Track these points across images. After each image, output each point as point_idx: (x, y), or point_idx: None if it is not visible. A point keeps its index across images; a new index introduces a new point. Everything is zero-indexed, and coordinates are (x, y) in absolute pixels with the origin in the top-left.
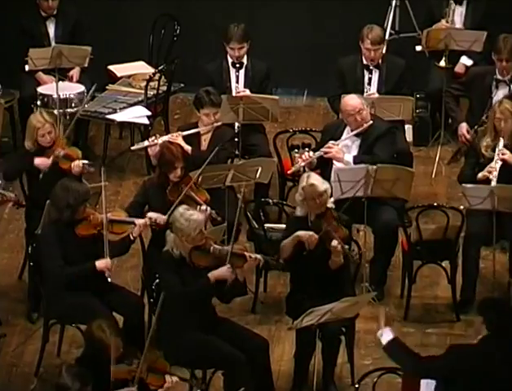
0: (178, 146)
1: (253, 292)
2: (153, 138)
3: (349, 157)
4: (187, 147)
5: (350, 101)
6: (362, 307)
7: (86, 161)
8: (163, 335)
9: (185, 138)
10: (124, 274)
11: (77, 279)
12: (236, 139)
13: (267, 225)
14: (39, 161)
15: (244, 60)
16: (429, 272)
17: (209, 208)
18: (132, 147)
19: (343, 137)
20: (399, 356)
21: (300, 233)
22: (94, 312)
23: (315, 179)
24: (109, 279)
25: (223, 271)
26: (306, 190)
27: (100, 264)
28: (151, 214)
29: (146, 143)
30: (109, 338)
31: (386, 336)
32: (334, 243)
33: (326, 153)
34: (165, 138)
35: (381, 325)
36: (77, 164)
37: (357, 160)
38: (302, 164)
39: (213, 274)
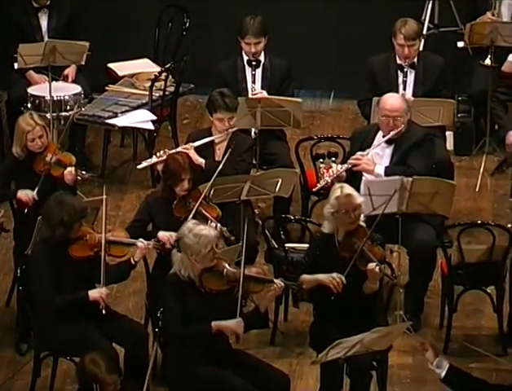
0: (184, 155)
1: (272, 321)
2: (162, 152)
3: (380, 169)
4: (201, 160)
5: (391, 100)
6: (396, 338)
7: (84, 173)
8: (169, 368)
9: (197, 148)
10: (126, 301)
11: (68, 310)
12: (254, 147)
13: (287, 244)
14: (22, 195)
15: (262, 57)
16: (472, 299)
17: (219, 226)
18: (138, 166)
19: (374, 144)
20: (464, 383)
21: (320, 277)
22: (92, 343)
23: (351, 190)
24: (104, 311)
25: (231, 326)
26: (340, 201)
27: (94, 294)
28: (162, 234)
29: (154, 159)
30: (105, 374)
31: (443, 365)
32: (371, 264)
33: (355, 166)
34: (175, 151)
35: (430, 357)
36: (70, 172)
37: (389, 171)
38: (329, 179)
39: (217, 325)
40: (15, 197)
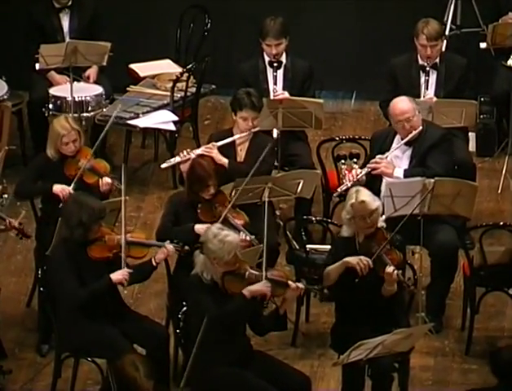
0: (210, 160)
1: (293, 323)
2: (185, 152)
3: (399, 172)
4: (224, 160)
5: (399, 104)
6: (417, 340)
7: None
8: (191, 369)
9: (220, 148)
10: (147, 302)
11: (93, 299)
12: (275, 148)
13: (309, 246)
14: (58, 189)
15: (283, 59)
16: (494, 301)
17: (249, 235)
18: (162, 165)
19: (393, 146)
20: None
21: (349, 259)
22: (113, 344)
23: (366, 195)
24: (125, 291)
25: (261, 286)
26: (355, 207)
27: (116, 276)
28: (198, 227)
29: (178, 159)
30: (143, 379)
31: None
32: (388, 269)
33: (374, 169)
34: (199, 151)
35: None
36: (107, 182)
37: (408, 174)
38: (349, 184)
39: (249, 290)
40: (51, 191)
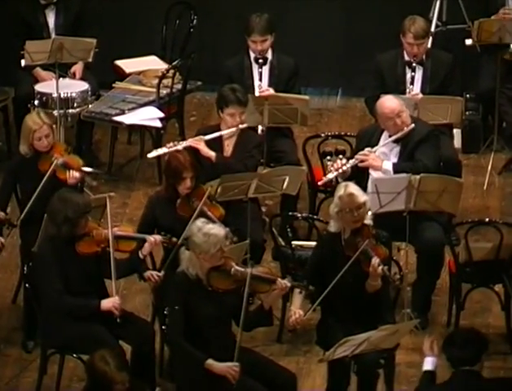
0: (186, 153)
1: (278, 319)
2: (172, 143)
3: (388, 165)
4: (212, 153)
5: (388, 103)
6: (403, 336)
7: (89, 169)
8: (176, 365)
9: (207, 143)
10: (132, 298)
11: (77, 313)
12: (262, 144)
13: (294, 242)
14: (109, 305)
15: (269, 55)
16: (480, 297)
17: (223, 227)
18: (149, 155)
19: (380, 143)
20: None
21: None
22: (99, 341)
23: (355, 189)
24: (118, 320)
25: (226, 370)
26: (343, 200)
27: (106, 304)
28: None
29: (165, 150)
30: (114, 371)
31: (427, 365)
32: (373, 261)
33: (362, 161)
34: (186, 143)
35: (428, 352)
36: (73, 175)
37: (397, 167)
38: (335, 173)
39: (211, 365)
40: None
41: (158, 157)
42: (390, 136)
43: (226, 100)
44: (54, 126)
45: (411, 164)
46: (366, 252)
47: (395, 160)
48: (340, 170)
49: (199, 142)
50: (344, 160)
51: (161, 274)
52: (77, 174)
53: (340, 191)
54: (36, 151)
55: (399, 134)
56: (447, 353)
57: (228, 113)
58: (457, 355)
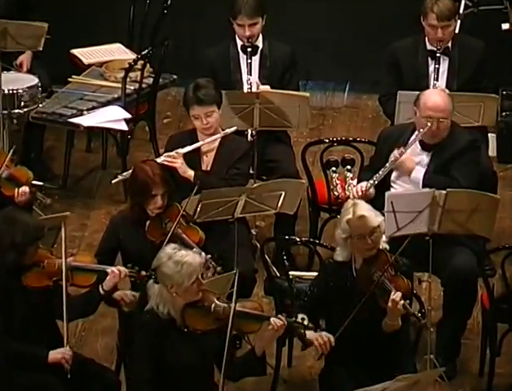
0: (153, 164)
1: (272, 367)
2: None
3: (419, 172)
4: (190, 173)
5: (433, 97)
6: (425, 388)
7: (40, 183)
8: None
9: (185, 156)
10: (93, 341)
11: (20, 362)
12: (250, 153)
13: (292, 273)
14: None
15: (259, 43)
16: None
17: (203, 254)
18: (113, 181)
19: (408, 144)
20: None
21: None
22: None
23: (366, 209)
24: (69, 376)
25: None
26: (352, 224)
27: (55, 355)
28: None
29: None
30: None
31: None
32: (394, 296)
33: (394, 161)
34: (159, 161)
35: None
36: (23, 192)
37: (428, 180)
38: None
39: None
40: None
41: (125, 166)
42: (422, 141)
43: (186, 100)
44: None
45: (447, 179)
46: (383, 285)
47: (423, 171)
48: (360, 192)
49: (176, 160)
50: (371, 180)
51: (137, 294)
52: (26, 190)
53: (347, 212)
54: None
55: (433, 140)
56: None
57: (192, 115)
58: None
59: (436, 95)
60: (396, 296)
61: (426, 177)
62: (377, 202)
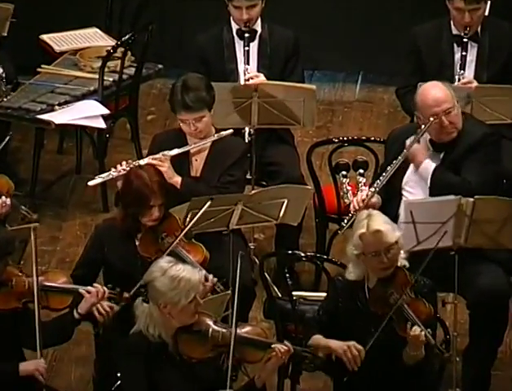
0: (152, 170)
1: None
2: (124, 164)
3: (430, 165)
4: (177, 179)
5: (431, 90)
6: None
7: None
8: None
9: (173, 159)
10: (66, 371)
11: None
12: (248, 155)
13: (296, 293)
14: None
15: (258, 27)
16: None
17: (211, 277)
18: (89, 183)
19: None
20: None
21: (333, 345)
22: None
23: (382, 222)
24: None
25: None
26: (366, 239)
27: (27, 366)
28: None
29: (113, 174)
30: None
31: None
32: (414, 331)
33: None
34: (144, 162)
35: None
36: (4, 203)
37: (438, 175)
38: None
39: None
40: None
41: (102, 170)
42: (432, 141)
43: (172, 100)
44: None
45: (457, 179)
46: (402, 311)
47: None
48: (361, 202)
49: (163, 163)
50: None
51: (115, 306)
52: (8, 202)
53: (361, 225)
54: None
55: (443, 139)
56: None
57: (179, 119)
58: None
59: (432, 89)
60: (415, 330)
61: (436, 173)
62: (389, 210)
